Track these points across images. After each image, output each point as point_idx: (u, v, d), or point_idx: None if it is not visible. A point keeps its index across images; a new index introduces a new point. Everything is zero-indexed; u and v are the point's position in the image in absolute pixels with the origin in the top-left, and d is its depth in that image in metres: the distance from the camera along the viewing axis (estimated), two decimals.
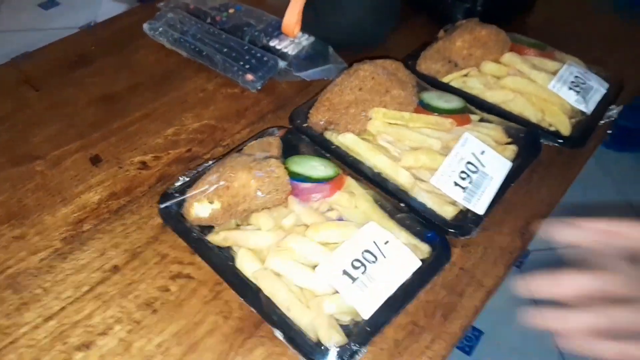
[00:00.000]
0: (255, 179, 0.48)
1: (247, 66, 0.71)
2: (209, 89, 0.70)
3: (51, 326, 0.46)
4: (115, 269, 0.50)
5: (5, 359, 0.44)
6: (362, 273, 0.42)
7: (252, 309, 0.44)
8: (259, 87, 0.69)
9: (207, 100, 0.68)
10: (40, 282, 0.49)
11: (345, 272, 0.42)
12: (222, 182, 0.49)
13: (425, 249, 0.46)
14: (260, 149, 0.55)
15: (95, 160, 0.60)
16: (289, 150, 0.56)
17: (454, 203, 0.51)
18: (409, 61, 0.68)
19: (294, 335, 0.42)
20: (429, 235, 0.47)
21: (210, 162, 0.55)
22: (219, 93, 0.70)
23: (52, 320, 0.46)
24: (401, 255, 0.44)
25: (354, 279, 0.42)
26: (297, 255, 0.45)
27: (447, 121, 0.56)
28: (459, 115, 0.57)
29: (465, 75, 0.66)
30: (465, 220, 0.50)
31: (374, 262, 0.43)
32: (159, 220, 0.53)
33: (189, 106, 0.67)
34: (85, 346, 0.44)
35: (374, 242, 0.44)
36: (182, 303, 0.47)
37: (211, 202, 0.49)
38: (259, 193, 0.48)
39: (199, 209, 0.50)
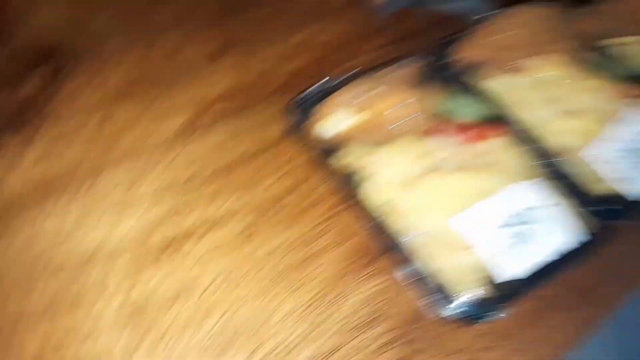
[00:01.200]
0: (401, 106, 0.44)
1: None
2: (336, 2, 0.65)
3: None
4: (230, 166, 0.48)
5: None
6: (508, 234, 0.39)
7: (377, 239, 0.42)
8: (391, 12, 0.64)
9: (335, 14, 0.63)
10: None
11: (489, 228, 0.39)
12: (361, 101, 0.45)
13: (584, 222, 0.42)
14: (401, 76, 0.50)
15: (216, 54, 0.56)
16: (430, 84, 0.51)
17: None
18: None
19: (420, 277, 0.39)
20: (590, 208, 0.43)
21: (342, 77, 0.51)
22: (348, 9, 0.65)
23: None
24: (555, 224, 0.40)
25: (497, 238, 0.39)
26: (434, 198, 0.42)
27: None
28: None
29: None
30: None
31: (522, 224, 0.39)
32: (279, 127, 0.51)
33: (316, 17, 0.63)
34: (199, 236, 0.43)
35: (525, 203, 0.40)
36: (301, 213, 0.45)
37: (345, 119, 0.46)
38: (402, 121, 0.44)
39: (331, 124, 0.46)
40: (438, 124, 0.45)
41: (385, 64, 0.53)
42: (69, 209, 0.44)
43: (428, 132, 0.45)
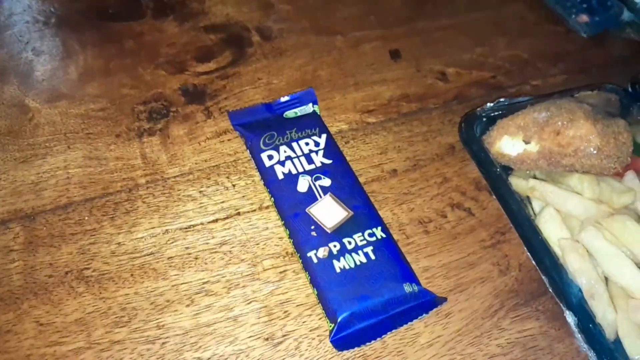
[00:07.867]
0: (598, 135, 0.42)
1: (585, 5, 0.62)
2: (529, 18, 0.64)
3: None
4: (394, 172, 0.48)
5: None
6: None
7: (543, 278, 0.40)
8: (591, 34, 0.61)
9: (524, 30, 0.62)
10: None
11: None
12: (552, 124, 0.43)
13: None
14: (600, 103, 0.47)
15: (395, 55, 0.58)
16: (624, 117, 0.48)
17: None
18: None
19: (589, 328, 0.36)
20: None
21: (529, 97, 0.50)
22: (540, 26, 0.63)
23: None
24: None
25: None
26: (620, 242, 0.39)
27: None
28: None
29: None
30: None
31: None
32: (447, 139, 0.51)
33: (503, 30, 0.62)
34: None
35: None
36: (456, 236, 0.44)
37: (527, 142, 0.44)
38: (594, 151, 0.42)
39: (508, 144, 0.45)
40: (633, 164, 0.42)
41: (571, 90, 0.51)
42: None
43: (615, 171, 0.42)
